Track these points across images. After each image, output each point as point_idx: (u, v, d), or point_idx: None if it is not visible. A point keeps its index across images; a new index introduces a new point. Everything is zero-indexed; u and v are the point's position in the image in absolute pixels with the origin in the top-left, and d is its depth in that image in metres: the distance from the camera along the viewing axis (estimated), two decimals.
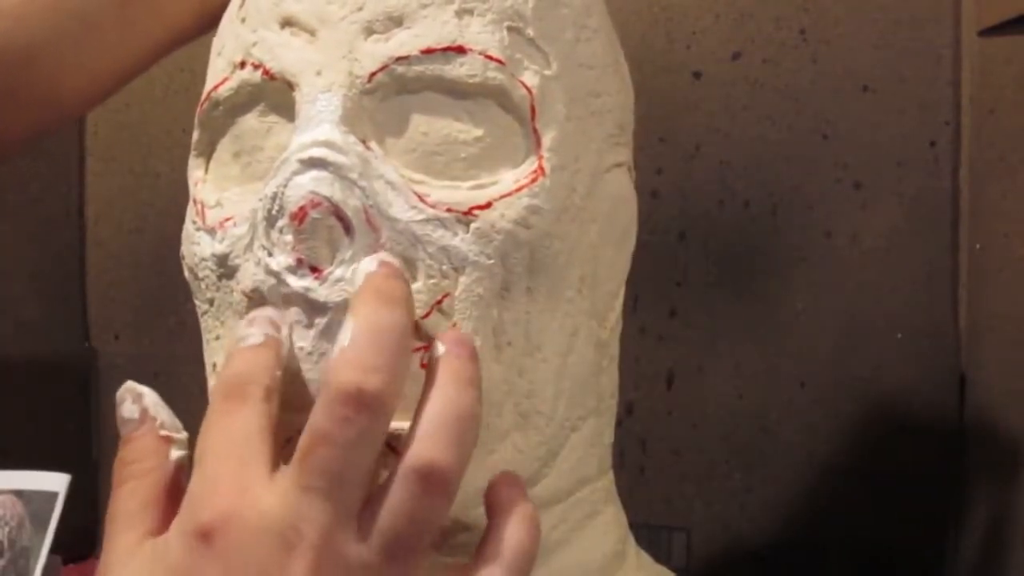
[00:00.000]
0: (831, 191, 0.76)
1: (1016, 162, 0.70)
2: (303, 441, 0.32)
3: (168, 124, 0.88)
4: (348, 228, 0.38)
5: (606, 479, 0.48)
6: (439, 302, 0.39)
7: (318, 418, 0.32)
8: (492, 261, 0.39)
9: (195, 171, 0.45)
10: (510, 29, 0.41)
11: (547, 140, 0.41)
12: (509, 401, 0.40)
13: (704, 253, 0.78)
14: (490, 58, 0.40)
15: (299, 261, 0.38)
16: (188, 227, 0.45)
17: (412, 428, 0.33)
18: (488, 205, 0.39)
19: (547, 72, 0.42)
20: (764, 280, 0.77)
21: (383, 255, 0.37)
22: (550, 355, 0.42)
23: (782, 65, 0.77)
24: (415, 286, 0.39)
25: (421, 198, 0.39)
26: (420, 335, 0.39)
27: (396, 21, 0.40)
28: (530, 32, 0.42)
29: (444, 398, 0.33)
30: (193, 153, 0.46)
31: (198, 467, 0.33)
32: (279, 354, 0.36)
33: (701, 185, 0.78)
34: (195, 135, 0.45)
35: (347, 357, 0.32)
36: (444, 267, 0.39)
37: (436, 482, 0.32)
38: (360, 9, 0.40)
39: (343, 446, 0.31)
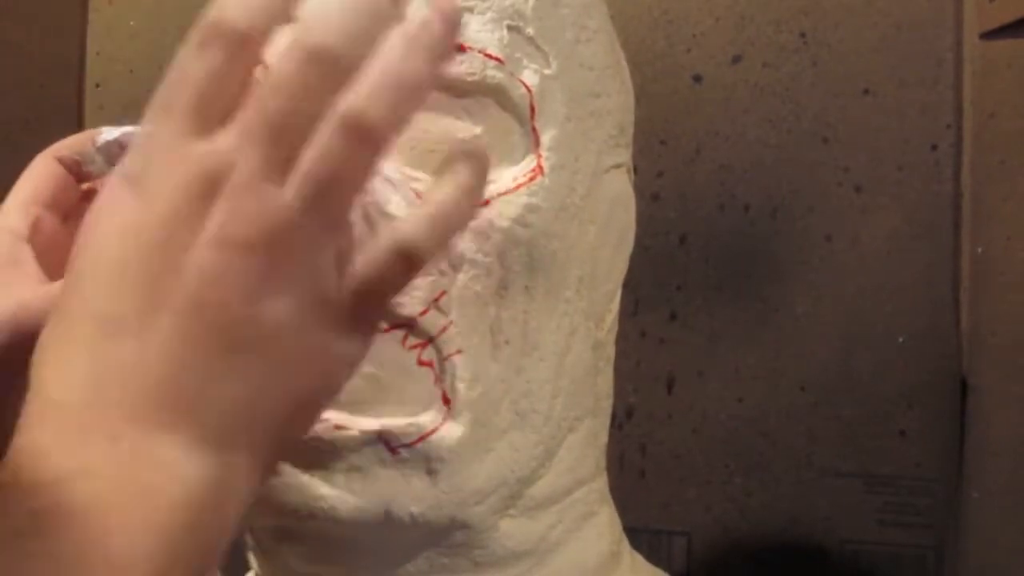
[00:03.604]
0: (832, 195, 0.76)
1: (1017, 166, 0.70)
2: (258, 91, 0.31)
3: None
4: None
5: (600, 480, 0.47)
6: (437, 299, 0.39)
7: (279, 67, 0.30)
8: (490, 259, 0.39)
9: None
10: (510, 28, 0.41)
11: (546, 139, 0.41)
12: (506, 399, 0.40)
13: (704, 256, 0.78)
14: (489, 56, 0.40)
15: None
16: None
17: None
18: (486, 203, 0.39)
19: (547, 71, 0.42)
20: (764, 284, 0.77)
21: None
22: (548, 354, 0.42)
23: (782, 69, 0.77)
24: (413, 283, 0.39)
25: (419, 195, 0.39)
26: (418, 333, 0.39)
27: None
28: (530, 31, 0.42)
29: (390, 58, 0.31)
30: None
31: (150, 108, 0.31)
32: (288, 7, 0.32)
33: (702, 188, 0.78)
34: None
35: (315, 16, 0.31)
36: (442, 264, 0.39)
37: (361, 131, 0.30)
38: None
39: (295, 98, 0.30)
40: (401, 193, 0.39)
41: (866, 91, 0.75)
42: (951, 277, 0.74)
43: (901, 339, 0.74)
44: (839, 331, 0.76)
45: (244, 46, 0.31)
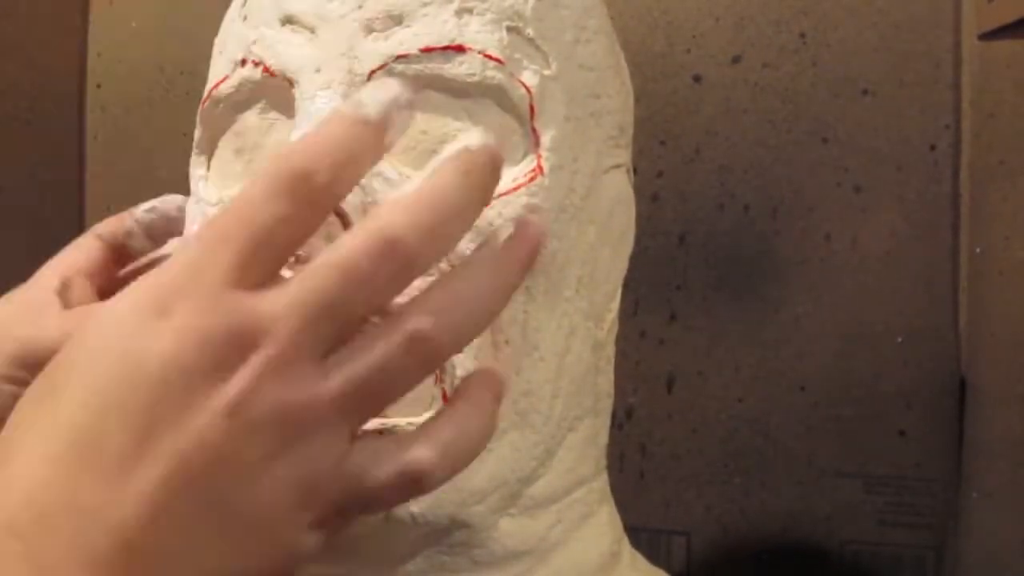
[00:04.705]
0: (831, 195, 0.76)
1: (1016, 166, 0.70)
2: (314, 261, 0.29)
3: (168, 128, 0.88)
4: (346, 225, 0.38)
5: (601, 479, 0.47)
6: None
7: (351, 247, 0.29)
8: None
9: (197, 169, 0.45)
10: (509, 29, 0.41)
11: (546, 139, 0.41)
12: (506, 399, 0.40)
13: (704, 257, 0.78)
14: (489, 57, 0.40)
15: (296, 257, 0.38)
16: (189, 226, 0.45)
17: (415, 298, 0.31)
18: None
19: (546, 72, 0.42)
20: (764, 284, 0.77)
21: (487, 140, 0.33)
22: (548, 354, 0.42)
23: (782, 69, 0.77)
24: (414, 284, 0.39)
25: None
26: None
27: (396, 19, 0.40)
28: (529, 32, 0.42)
29: (470, 279, 0.31)
30: (195, 151, 0.46)
31: (194, 239, 0.29)
32: (376, 151, 0.31)
33: (701, 189, 0.78)
34: (197, 133, 0.45)
35: (401, 205, 0.29)
36: (442, 265, 0.39)
37: (426, 353, 0.29)
38: (360, 7, 0.40)
39: (361, 288, 0.29)
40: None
41: (865, 91, 0.75)
42: (950, 277, 0.74)
43: (900, 339, 0.74)
44: (839, 331, 0.76)
45: (319, 204, 0.30)
